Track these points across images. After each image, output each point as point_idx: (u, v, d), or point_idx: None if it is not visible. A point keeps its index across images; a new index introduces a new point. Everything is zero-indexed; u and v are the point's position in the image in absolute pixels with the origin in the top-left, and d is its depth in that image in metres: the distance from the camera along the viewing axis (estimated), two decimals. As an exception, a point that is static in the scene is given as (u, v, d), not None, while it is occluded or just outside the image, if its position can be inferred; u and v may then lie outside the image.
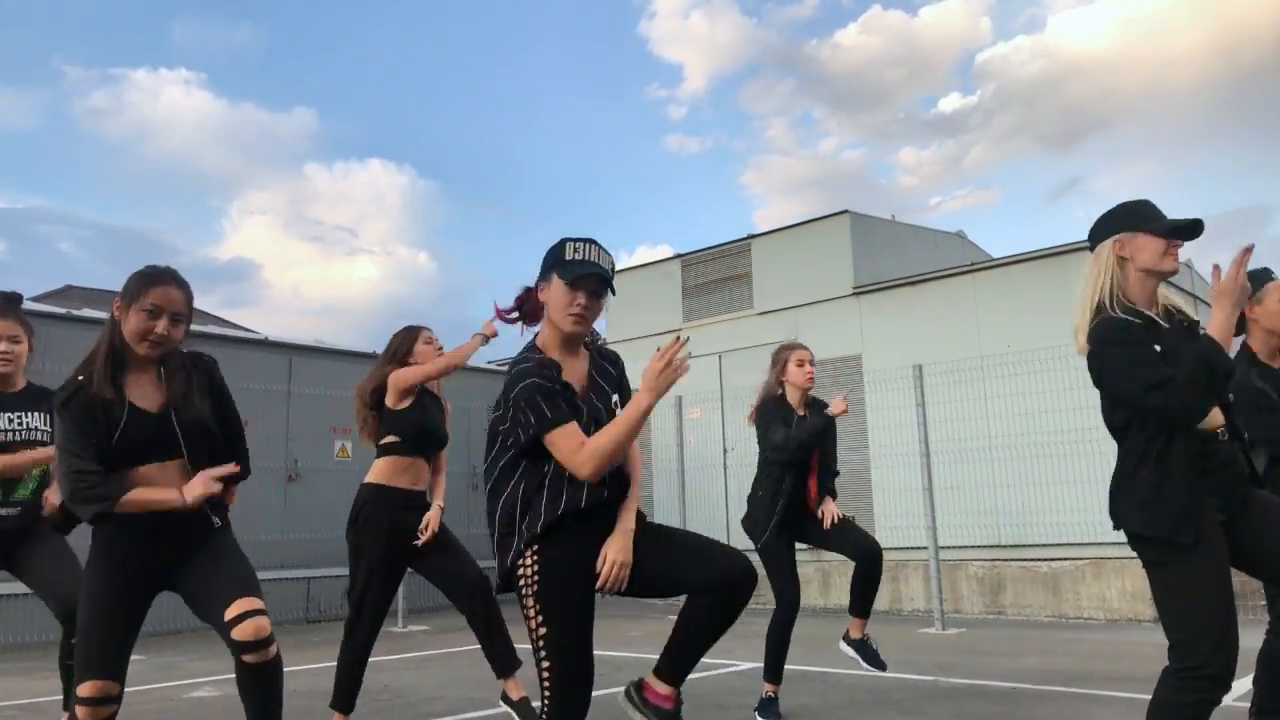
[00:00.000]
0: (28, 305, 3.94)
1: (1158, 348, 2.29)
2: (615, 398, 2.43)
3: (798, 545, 4.31)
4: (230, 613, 2.41)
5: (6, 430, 3.48)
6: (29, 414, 3.54)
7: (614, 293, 2.41)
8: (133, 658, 2.55)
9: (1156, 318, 2.37)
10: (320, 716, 4.01)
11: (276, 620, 10.03)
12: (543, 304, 2.39)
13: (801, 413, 4.26)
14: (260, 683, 2.48)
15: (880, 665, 4.18)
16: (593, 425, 2.29)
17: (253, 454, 2.81)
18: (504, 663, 3.71)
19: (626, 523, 2.31)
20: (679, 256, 11.95)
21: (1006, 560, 8.67)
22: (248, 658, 2.42)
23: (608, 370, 2.48)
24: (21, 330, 3.56)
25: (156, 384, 2.58)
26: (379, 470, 3.77)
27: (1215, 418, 2.33)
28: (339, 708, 3.65)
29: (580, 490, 2.26)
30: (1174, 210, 2.44)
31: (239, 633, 2.39)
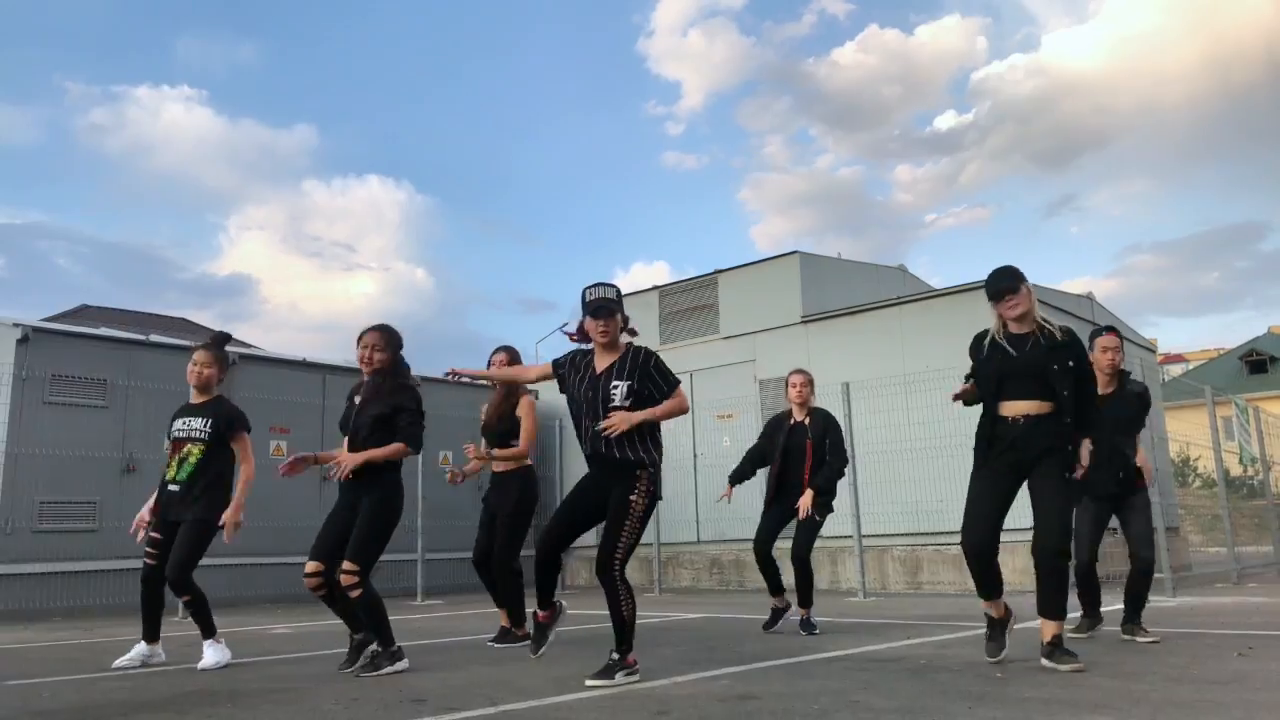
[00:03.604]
0: (46, 324, 5.42)
1: (982, 356, 4.27)
2: (621, 384, 3.79)
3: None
4: (342, 565, 4.21)
5: (181, 430, 4.74)
6: (194, 419, 4.74)
7: (614, 312, 3.92)
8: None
9: (1002, 337, 4.26)
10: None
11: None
12: (588, 330, 3.97)
13: (799, 419, 6.13)
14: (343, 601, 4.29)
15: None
16: (590, 393, 3.84)
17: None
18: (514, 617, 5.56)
19: None
20: (656, 288, 13.68)
21: (924, 545, 10.38)
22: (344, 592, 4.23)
23: (633, 366, 3.86)
24: (213, 361, 4.83)
25: (370, 395, 4.38)
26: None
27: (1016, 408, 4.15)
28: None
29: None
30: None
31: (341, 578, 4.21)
